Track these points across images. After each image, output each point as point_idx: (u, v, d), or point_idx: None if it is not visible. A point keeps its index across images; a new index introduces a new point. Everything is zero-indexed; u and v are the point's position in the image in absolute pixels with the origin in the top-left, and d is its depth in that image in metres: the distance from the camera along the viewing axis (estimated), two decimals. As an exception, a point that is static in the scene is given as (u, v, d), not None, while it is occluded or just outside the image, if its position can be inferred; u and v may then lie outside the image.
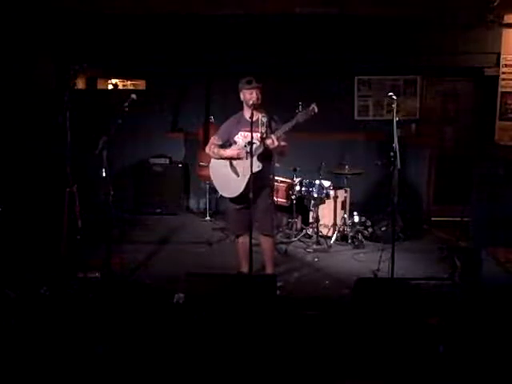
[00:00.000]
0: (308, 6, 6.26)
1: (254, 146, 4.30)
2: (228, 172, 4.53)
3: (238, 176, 4.47)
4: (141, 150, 7.56)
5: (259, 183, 4.40)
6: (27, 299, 4.05)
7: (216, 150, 4.57)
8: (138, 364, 3.30)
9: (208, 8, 6.35)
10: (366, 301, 3.61)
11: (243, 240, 4.60)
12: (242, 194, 4.38)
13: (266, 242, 4.72)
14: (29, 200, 5.63)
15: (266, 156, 4.43)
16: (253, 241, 4.19)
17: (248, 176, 4.24)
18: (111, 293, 4.09)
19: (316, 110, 4.22)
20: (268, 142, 4.28)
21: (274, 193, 5.09)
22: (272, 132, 4.35)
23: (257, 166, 4.27)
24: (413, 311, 3.52)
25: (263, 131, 4.36)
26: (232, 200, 4.58)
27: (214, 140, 4.64)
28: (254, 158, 4.27)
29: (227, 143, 4.62)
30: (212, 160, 4.68)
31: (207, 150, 4.67)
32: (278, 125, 4.42)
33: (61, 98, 4.30)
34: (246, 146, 4.34)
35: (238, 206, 4.56)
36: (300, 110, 4.25)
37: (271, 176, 4.77)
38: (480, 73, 7.08)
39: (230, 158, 4.52)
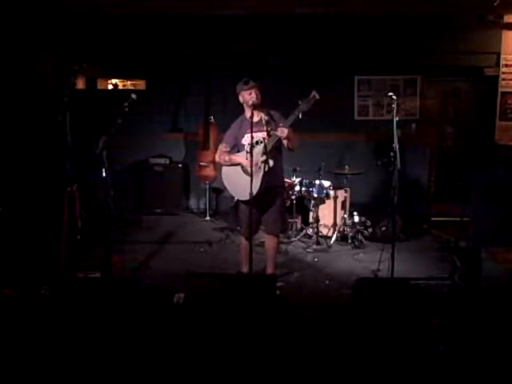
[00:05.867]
0: (308, 6, 6.26)
1: (262, 145, 4.33)
2: (240, 175, 4.51)
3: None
4: (141, 150, 7.56)
5: (271, 182, 4.43)
6: (27, 299, 4.05)
7: (227, 158, 4.56)
8: (138, 364, 3.30)
9: (208, 8, 6.35)
10: (366, 301, 3.61)
11: (249, 244, 4.57)
12: (257, 193, 4.31)
13: (270, 242, 4.72)
14: (29, 200, 5.63)
15: (275, 154, 4.45)
16: (253, 241, 4.19)
17: (261, 174, 4.31)
18: (111, 293, 4.09)
19: (317, 96, 4.21)
20: (278, 131, 4.28)
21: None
22: (276, 128, 4.35)
23: (265, 167, 4.30)
24: (413, 311, 3.52)
25: (269, 129, 4.37)
26: (245, 201, 4.51)
27: (222, 147, 4.62)
28: (263, 158, 4.30)
29: (235, 147, 4.63)
30: (223, 168, 4.68)
31: (217, 158, 4.69)
32: (281, 120, 4.43)
33: (61, 98, 4.30)
34: (254, 146, 4.31)
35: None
36: (301, 99, 4.23)
37: (282, 175, 4.78)
38: (480, 73, 7.08)
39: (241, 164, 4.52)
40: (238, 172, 4.53)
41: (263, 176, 4.34)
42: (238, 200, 4.73)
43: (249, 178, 4.29)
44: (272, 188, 4.50)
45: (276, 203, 4.62)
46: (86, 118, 6.52)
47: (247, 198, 4.43)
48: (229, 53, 6.95)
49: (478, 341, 3.45)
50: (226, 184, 4.69)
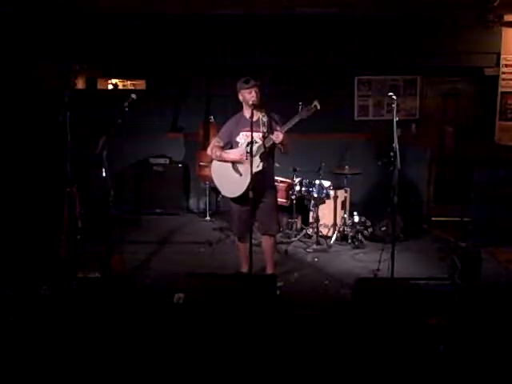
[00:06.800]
0: (308, 6, 6.26)
1: (257, 145, 4.32)
2: (230, 172, 4.52)
3: (241, 175, 4.46)
4: (141, 150, 7.54)
5: (262, 183, 4.41)
6: (27, 299, 4.05)
7: (218, 153, 4.56)
8: (138, 364, 3.30)
9: (208, 8, 6.35)
10: (366, 301, 3.61)
11: (245, 244, 4.58)
12: (244, 193, 4.35)
13: (267, 242, 4.72)
14: (29, 200, 5.63)
15: (268, 155, 4.44)
16: (253, 241, 4.19)
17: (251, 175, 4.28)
18: (111, 293, 4.09)
19: (318, 106, 4.26)
20: (274, 136, 4.29)
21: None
22: (272, 131, 4.35)
23: (259, 166, 4.29)
24: (413, 311, 3.52)
25: (264, 130, 4.37)
26: (235, 200, 4.56)
27: (216, 142, 4.63)
28: (257, 157, 4.29)
29: (229, 144, 4.62)
30: (214, 162, 4.68)
31: (209, 151, 4.67)
32: (278, 123, 4.42)
33: (61, 98, 4.30)
34: (248, 146, 4.33)
35: (241, 207, 4.53)
36: (302, 107, 4.27)
37: (273, 176, 4.78)
38: (480, 73, 7.08)
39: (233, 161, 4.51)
40: (228, 169, 4.54)
41: (251, 177, 4.30)
42: (223, 197, 4.74)
43: (237, 176, 4.34)
44: (263, 189, 4.49)
45: (269, 204, 4.61)
46: (86, 118, 6.51)
47: (232, 195, 4.51)
48: (229, 53, 6.95)
49: (478, 341, 3.45)
50: (214, 177, 4.71)
